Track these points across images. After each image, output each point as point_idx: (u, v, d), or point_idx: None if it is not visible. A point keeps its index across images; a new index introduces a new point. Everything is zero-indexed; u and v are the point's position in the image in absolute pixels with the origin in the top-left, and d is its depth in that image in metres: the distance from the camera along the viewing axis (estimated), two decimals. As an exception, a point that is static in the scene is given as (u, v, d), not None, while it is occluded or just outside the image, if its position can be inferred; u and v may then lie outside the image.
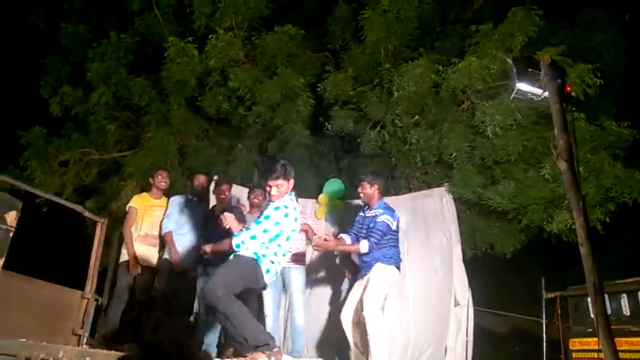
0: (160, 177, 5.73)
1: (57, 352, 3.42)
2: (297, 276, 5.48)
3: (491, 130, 6.09)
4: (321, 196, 6.51)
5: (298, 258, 5.52)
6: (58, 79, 8.16)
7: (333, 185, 6.53)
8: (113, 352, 4.10)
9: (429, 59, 6.27)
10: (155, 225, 5.60)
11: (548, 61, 3.61)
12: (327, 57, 7.51)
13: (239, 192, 6.31)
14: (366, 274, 5.02)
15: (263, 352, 3.52)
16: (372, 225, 4.95)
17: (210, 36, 6.74)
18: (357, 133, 6.88)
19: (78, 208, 6.43)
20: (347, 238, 5.13)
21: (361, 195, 5.15)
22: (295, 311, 5.39)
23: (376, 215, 5.00)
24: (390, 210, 5.06)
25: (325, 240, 4.86)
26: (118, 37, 7.56)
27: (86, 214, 6.45)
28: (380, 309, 4.86)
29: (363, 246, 4.86)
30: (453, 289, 5.94)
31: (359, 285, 5.09)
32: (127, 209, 5.70)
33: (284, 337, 5.97)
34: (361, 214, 5.25)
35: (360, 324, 4.91)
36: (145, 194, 5.79)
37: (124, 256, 5.57)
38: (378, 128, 6.74)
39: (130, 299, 5.40)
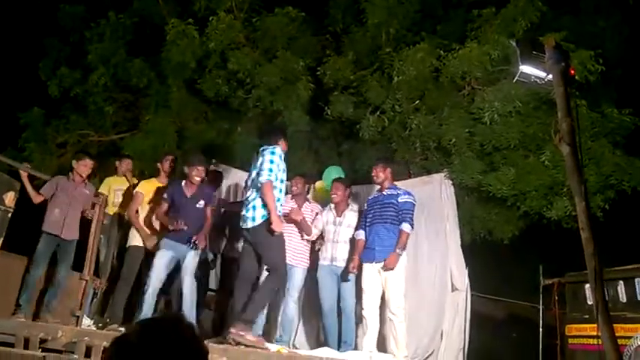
0: (168, 162, 5.73)
1: (55, 331, 3.44)
2: (297, 274, 5.42)
3: (489, 117, 6.07)
4: (319, 183, 6.46)
5: (300, 256, 5.48)
6: (57, 60, 8.07)
7: (332, 173, 6.46)
8: (111, 332, 4.12)
9: (431, 44, 6.20)
10: None
11: (553, 44, 3.57)
12: (328, 40, 7.42)
13: (239, 177, 6.28)
14: (379, 261, 5.01)
15: None
16: (392, 203, 5.09)
17: (211, 18, 6.66)
18: (357, 118, 6.83)
19: (76, 189, 6.41)
20: (362, 234, 5.26)
21: (375, 178, 5.33)
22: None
23: (398, 195, 5.13)
24: (408, 192, 5.22)
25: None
26: (117, 18, 7.47)
27: (85, 195, 6.45)
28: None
29: (407, 227, 4.96)
30: (449, 274, 5.95)
31: (373, 272, 5.07)
32: (133, 194, 5.68)
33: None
34: (372, 196, 5.42)
35: (383, 316, 5.06)
36: (153, 180, 5.78)
37: (132, 241, 5.55)
38: (378, 113, 6.69)
39: (137, 282, 5.37)
